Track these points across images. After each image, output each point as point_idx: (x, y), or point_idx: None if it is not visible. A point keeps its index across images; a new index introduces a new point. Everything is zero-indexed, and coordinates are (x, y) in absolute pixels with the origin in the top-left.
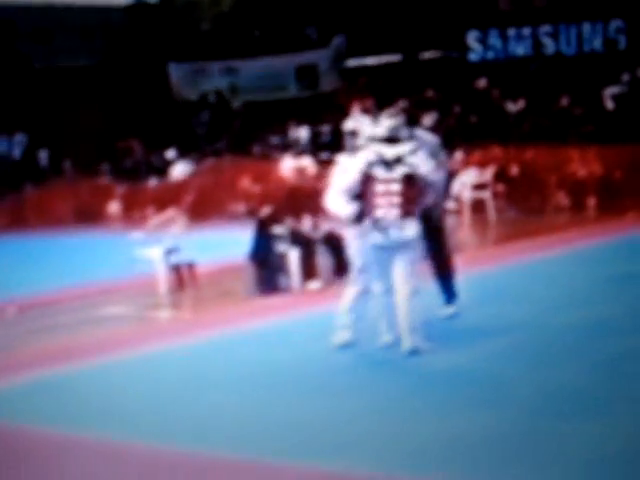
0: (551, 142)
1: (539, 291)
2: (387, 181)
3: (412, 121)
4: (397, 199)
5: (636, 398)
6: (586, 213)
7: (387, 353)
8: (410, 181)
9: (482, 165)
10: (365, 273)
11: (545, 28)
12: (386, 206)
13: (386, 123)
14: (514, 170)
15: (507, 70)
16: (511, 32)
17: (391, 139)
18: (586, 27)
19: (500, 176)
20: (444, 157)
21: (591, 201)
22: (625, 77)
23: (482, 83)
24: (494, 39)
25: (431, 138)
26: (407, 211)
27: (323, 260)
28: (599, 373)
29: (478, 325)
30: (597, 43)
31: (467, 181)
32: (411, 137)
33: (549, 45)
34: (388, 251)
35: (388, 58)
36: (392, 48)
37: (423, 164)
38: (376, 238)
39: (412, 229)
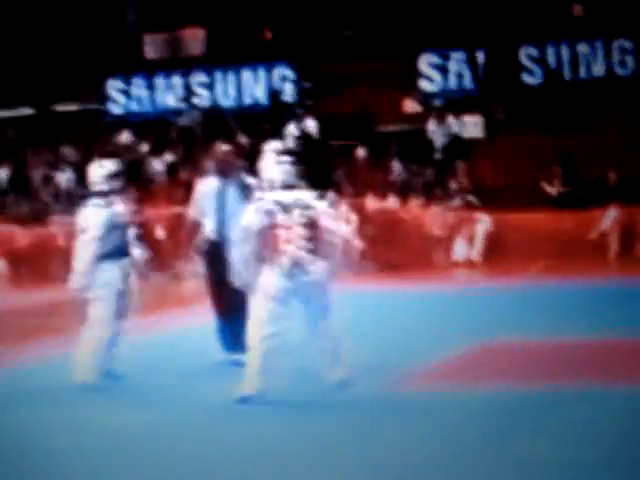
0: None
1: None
2: None
3: None
4: None
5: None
6: None
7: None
8: None
9: None
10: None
11: (199, 77)
12: None
13: None
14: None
15: (155, 123)
16: (159, 81)
17: None
18: (246, 74)
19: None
20: None
21: None
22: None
23: (125, 137)
24: (138, 88)
25: None
26: None
27: None
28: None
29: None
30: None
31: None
32: None
33: (204, 96)
34: None
35: (21, 111)
36: (24, 100)
37: None
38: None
39: None
